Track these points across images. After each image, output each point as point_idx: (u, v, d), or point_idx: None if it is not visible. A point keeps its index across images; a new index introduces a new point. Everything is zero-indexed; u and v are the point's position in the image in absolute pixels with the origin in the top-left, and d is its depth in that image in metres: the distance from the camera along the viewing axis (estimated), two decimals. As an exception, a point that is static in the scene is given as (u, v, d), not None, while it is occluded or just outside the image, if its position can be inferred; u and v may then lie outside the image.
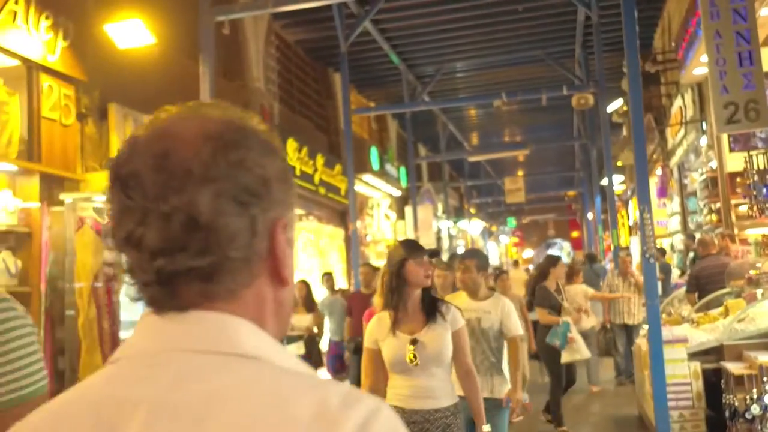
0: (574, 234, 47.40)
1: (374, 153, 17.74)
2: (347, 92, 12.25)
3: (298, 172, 13.12)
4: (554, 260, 8.28)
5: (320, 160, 14.35)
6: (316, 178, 14.13)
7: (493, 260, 35.67)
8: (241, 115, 0.86)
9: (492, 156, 19.01)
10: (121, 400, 0.73)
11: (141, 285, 0.79)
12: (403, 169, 20.30)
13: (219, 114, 0.84)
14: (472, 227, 30.62)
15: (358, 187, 18.02)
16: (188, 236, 0.75)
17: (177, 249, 0.75)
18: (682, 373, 6.10)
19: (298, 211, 14.27)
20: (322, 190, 14.35)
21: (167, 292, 0.78)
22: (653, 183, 19.29)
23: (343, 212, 16.14)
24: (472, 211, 31.53)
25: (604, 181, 14.16)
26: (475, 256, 5.30)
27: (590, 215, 30.37)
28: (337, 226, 16.21)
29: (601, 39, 12.04)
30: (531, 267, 20.28)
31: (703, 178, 10.99)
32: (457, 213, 29.55)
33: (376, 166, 17.61)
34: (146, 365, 0.75)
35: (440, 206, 23.80)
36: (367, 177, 17.65)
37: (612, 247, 11.66)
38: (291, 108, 14.49)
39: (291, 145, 12.85)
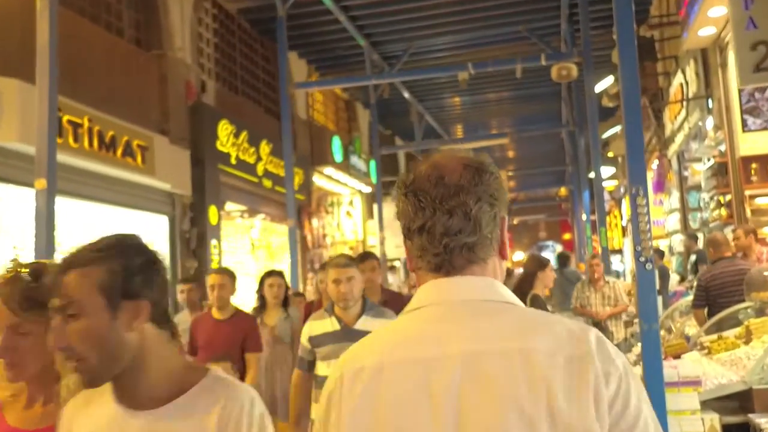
0: (566, 236, 45.51)
1: (337, 143, 15.82)
2: (285, 63, 10.32)
3: (233, 160, 11.19)
4: (542, 263, 6.43)
5: (266, 148, 12.43)
6: (260, 169, 12.20)
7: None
8: (475, 156, 1.30)
9: (469, 146, 17.05)
10: (445, 332, 1.16)
11: (431, 256, 1.22)
12: (373, 163, 18.37)
13: (465, 155, 1.29)
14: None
15: (320, 181, 16.12)
16: (463, 223, 1.20)
17: (456, 231, 1.20)
18: (695, 431, 4.19)
19: (238, 208, 12.33)
20: (267, 183, 12.43)
21: (447, 260, 1.22)
22: (648, 178, 17.46)
23: (299, 209, 14.21)
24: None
25: (594, 174, 12.28)
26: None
27: (582, 217, 28.58)
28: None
29: (589, 12, 10.16)
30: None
31: (710, 165, 9.10)
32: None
33: (338, 157, 15.69)
34: (450, 312, 1.20)
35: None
36: (328, 170, 15.75)
37: (600, 251, 9.79)
38: (232, 88, 12.56)
39: (224, 128, 10.92)
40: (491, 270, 1.24)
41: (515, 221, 42.32)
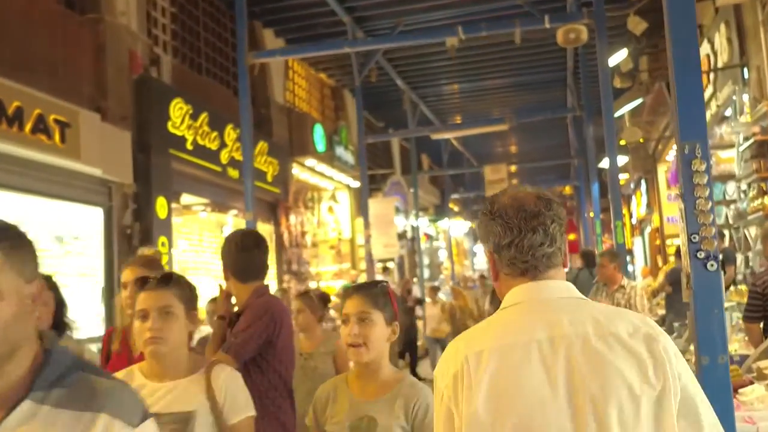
0: (571, 236, 43.95)
1: (319, 132, 14.33)
2: (243, 29, 8.85)
3: (189, 145, 9.71)
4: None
5: (232, 134, 10.93)
6: (224, 156, 10.70)
7: (480, 265, 32.29)
8: (544, 191, 1.68)
9: (463, 133, 15.58)
10: (547, 320, 1.52)
11: (519, 266, 1.60)
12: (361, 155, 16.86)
13: (537, 190, 1.67)
14: (455, 227, 27.20)
15: (303, 174, 14.64)
16: (543, 238, 1.58)
17: (539, 244, 1.58)
18: None
19: (200, 201, 10.84)
20: (233, 173, 10.92)
21: (533, 266, 1.59)
22: (662, 171, 15.92)
23: (274, 204, 12.74)
24: (455, 208, 28.08)
25: (605, 162, 10.75)
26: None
27: (590, 214, 27.01)
28: (265, 222, 12.78)
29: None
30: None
31: (748, 146, 7.57)
32: (438, 211, 26.16)
33: (321, 147, 14.19)
34: (541, 306, 1.56)
35: (414, 203, 20.36)
36: (310, 161, 14.25)
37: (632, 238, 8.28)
38: (194, 65, 11.07)
39: (178, 107, 9.43)
40: (562, 273, 1.65)
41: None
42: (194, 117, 9.82)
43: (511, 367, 1.47)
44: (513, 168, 27.35)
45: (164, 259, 8.81)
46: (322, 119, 15.93)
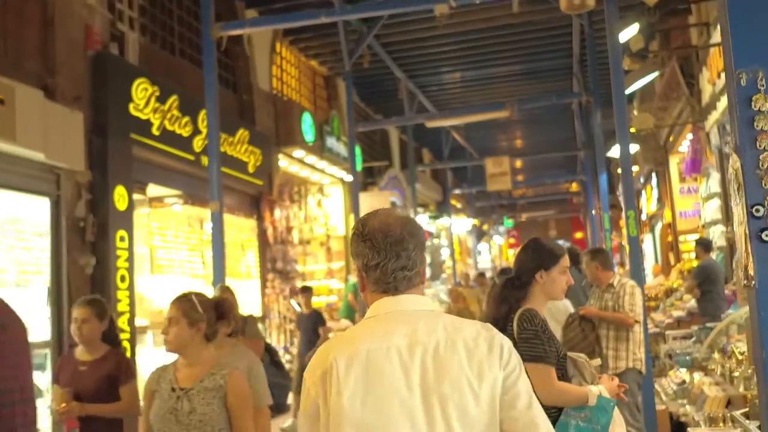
0: (578, 234, 42.98)
1: (308, 121, 13.42)
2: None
3: (155, 130, 8.81)
4: (551, 254, 4.19)
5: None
6: (197, 144, 9.80)
7: (484, 263, 31.34)
8: (408, 214, 2.01)
9: (460, 120, 14.62)
10: (397, 340, 1.73)
11: (382, 285, 1.81)
12: (358, 149, 15.94)
13: (403, 215, 1.89)
14: (458, 225, 26.26)
15: (292, 167, 13.74)
16: (407, 262, 1.80)
17: (402, 267, 1.79)
18: None
19: (170, 192, 9.95)
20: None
21: (394, 287, 1.80)
22: (675, 164, 14.95)
23: (257, 197, 11.85)
24: (457, 204, 27.16)
25: (615, 151, 9.81)
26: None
27: (594, 211, 26.02)
28: (247, 216, 11.89)
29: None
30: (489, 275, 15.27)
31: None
32: (439, 208, 25.22)
33: (309, 137, 13.28)
34: (400, 317, 1.77)
35: (413, 198, 19.42)
36: (297, 152, 13.35)
37: (625, 241, 7.34)
38: (166, 45, 10.18)
39: (142, 88, 8.54)
40: (420, 291, 1.85)
41: (523, 218, 39.86)
42: (161, 100, 8.93)
43: (374, 369, 1.70)
44: (518, 163, 26.42)
45: (124, 256, 7.93)
46: (313, 110, 15.03)
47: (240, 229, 12.18)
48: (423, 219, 22.11)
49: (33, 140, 6.65)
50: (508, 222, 38.60)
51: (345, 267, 16.01)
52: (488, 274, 24.19)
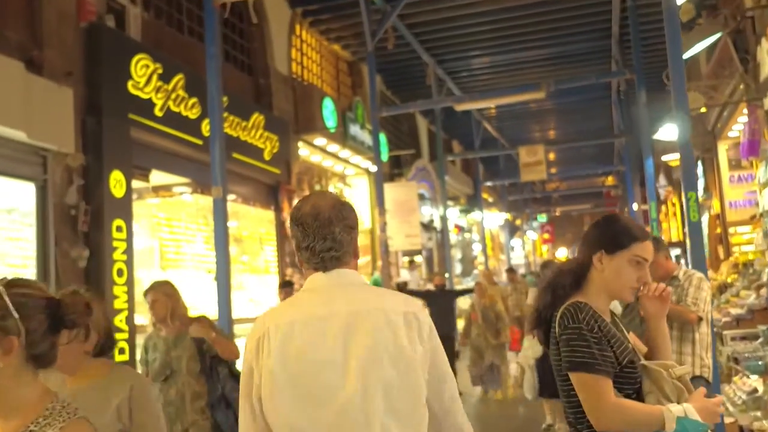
0: (614, 230, 41.62)
1: (329, 107, 12.62)
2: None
3: (158, 111, 8.08)
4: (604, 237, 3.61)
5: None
6: (206, 128, 9.02)
7: (517, 260, 30.33)
8: (342, 196, 2.11)
9: (492, 102, 13.65)
10: (327, 310, 1.88)
11: (313, 264, 1.96)
12: (383, 138, 15.10)
13: (333, 197, 2.02)
14: (490, 219, 25.29)
15: (314, 156, 12.97)
16: (332, 244, 1.93)
17: (328, 249, 1.92)
18: None
19: (178, 180, 9.22)
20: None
21: (323, 265, 1.95)
22: (723, 150, 13.87)
23: (275, 186, 11.09)
24: (488, 198, 26.19)
25: (665, 132, 8.85)
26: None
27: (636, 205, 24.85)
28: (264, 207, 11.13)
29: None
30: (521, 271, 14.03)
31: None
32: (470, 201, 24.30)
33: (331, 123, 12.49)
34: (330, 291, 1.93)
35: (442, 190, 18.51)
36: (318, 140, 12.56)
37: (684, 229, 6.42)
38: (173, 22, 9.44)
39: (142, 65, 7.80)
40: (353, 266, 2.02)
41: (557, 212, 38.72)
42: (165, 78, 8.19)
43: (303, 335, 1.87)
44: (551, 155, 25.34)
45: (121, 248, 7.20)
46: (336, 97, 14.22)
47: (258, 221, 11.44)
48: (453, 212, 21.23)
49: (11, 117, 5.93)
50: (542, 216, 37.51)
51: (371, 262, 15.20)
52: (520, 271, 23.22)
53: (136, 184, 7.90)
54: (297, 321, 1.87)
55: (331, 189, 13.26)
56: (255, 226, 11.79)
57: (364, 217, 15.43)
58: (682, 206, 20.00)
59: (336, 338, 1.85)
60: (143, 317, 8.04)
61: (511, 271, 15.40)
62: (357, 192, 15.18)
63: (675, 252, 22.55)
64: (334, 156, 13.54)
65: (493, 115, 21.68)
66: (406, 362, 1.85)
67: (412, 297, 2.05)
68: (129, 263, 7.24)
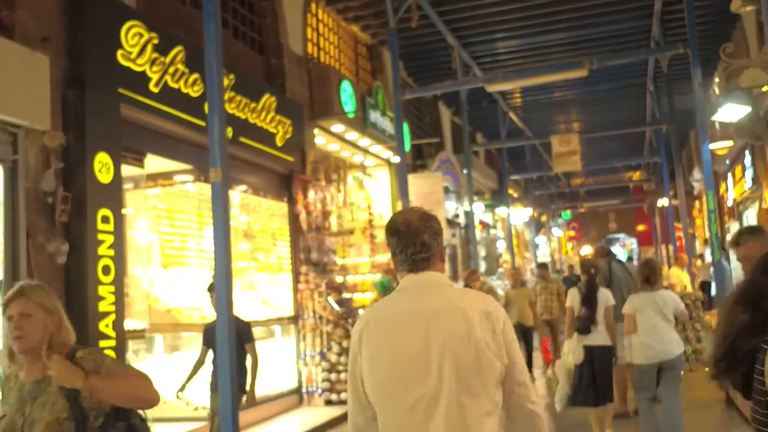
0: (640, 227, 40.34)
1: (348, 90, 11.59)
2: None
3: (153, 86, 7.10)
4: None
5: (224, 80, 8.28)
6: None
7: (543, 258, 29.14)
8: (427, 210, 2.38)
9: (526, 81, 12.45)
10: (416, 307, 2.21)
11: (406, 266, 2.27)
12: (406, 127, 14.05)
13: (421, 210, 2.35)
14: (515, 215, 24.15)
15: (327, 144, 11.95)
16: (423, 248, 2.25)
17: (418, 252, 2.25)
18: None
19: (179, 167, 8.23)
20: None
21: (414, 267, 2.26)
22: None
23: (288, 176, 10.09)
24: (514, 194, 25.04)
25: (725, 113, 7.73)
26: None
27: (671, 200, 23.64)
28: (276, 199, 10.13)
29: None
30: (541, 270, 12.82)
31: None
32: (495, 196, 23.19)
33: (349, 107, 11.46)
34: (419, 290, 2.25)
35: (468, 184, 17.40)
36: (336, 127, 11.53)
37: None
38: (174, -7, 8.47)
39: (133, 32, 6.81)
40: (439, 269, 2.31)
41: (582, 209, 37.45)
42: (162, 50, 7.20)
43: (395, 328, 2.22)
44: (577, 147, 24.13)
45: (108, 241, 6.21)
46: (355, 82, 13.20)
47: (270, 215, 10.45)
48: (478, 208, 20.15)
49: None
50: (566, 214, 36.29)
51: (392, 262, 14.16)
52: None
53: (127, 169, 6.93)
54: (390, 316, 2.25)
55: (350, 180, 12.23)
56: (267, 220, 10.81)
57: (385, 213, 14.41)
58: (718, 201, 18.66)
59: (420, 331, 2.17)
60: (138, 321, 7.09)
61: (543, 267, 14.21)
62: (377, 185, 14.14)
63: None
64: (353, 145, 12.51)
65: (518, 105, 20.63)
66: (479, 351, 2.13)
67: (489, 296, 2.35)
68: (118, 259, 6.26)
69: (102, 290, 6.05)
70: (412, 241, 2.25)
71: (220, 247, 5.46)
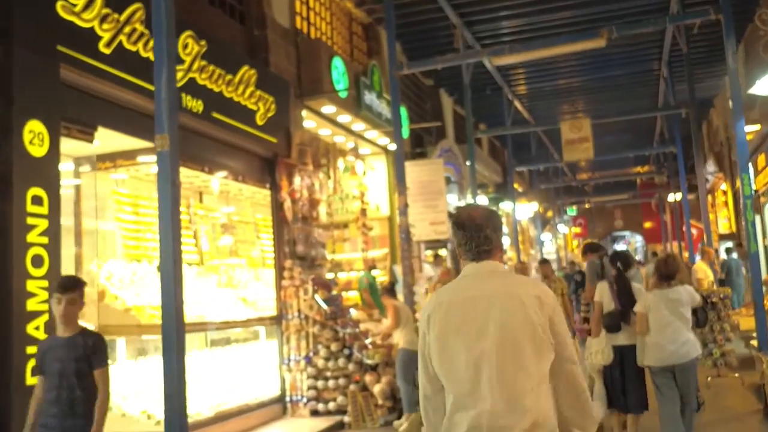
0: (647, 224, 39.23)
1: (339, 67, 10.55)
2: None
3: (103, 47, 6.07)
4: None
5: (192, 46, 7.26)
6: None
7: (548, 255, 28.07)
8: (490, 207, 2.80)
9: (538, 53, 11.22)
10: (477, 291, 2.54)
11: (469, 256, 2.61)
12: (404, 111, 13.02)
13: (484, 207, 2.73)
14: (520, 210, 23.09)
15: (318, 128, 10.93)
16: (483, 241, 2.59)
17: (481, 244, 2.59)
18: None
19: (134, 143, 7.18)
20: (193, 104, 7.25)
21: (476, 257, 2.60)
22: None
23: (271, 160, 9.07)
24: (519, 188, 24.00)
25: (764, 86, 6.68)
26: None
27: (677, 195, 22.60)
28: (257, 184, 9.09)
29: None
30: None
31: None
32: (499, 190, 22.16)
33: (341, 85, 10.41)
34: (481, 277, 2.59)
35: (471, 176, 16.33)
36: (326, 108, 10.49)
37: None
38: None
39: (79, -18, 5.77)
40: (499, 258, 2.62)
41: (587, 204, 36.40)
42: (116, 6, 6.15)
43: (459, 310, 2.52)
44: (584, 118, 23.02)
45: (41, 227, 5.17)
46: (350, 63, 12.14)
47: (253, 203, 9.42)
48: (482, 200, 19.12)
49: None
50: (572, 209, 35.25)
51: (389, 255, 13.13)
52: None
53: (72, 144, 5.91)
54: (454, 300, 2.55)
55: (340, 164, 11.16)
56: (251, 210, 9.82)
57: (382, 204, 13.38)
58: (735, 194, 17.61)
59: (481, 312, 2.48)
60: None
61: (545, 263, 13.15)
62: (375, 175, 13.10)
63: (726, 245, 20.29)
64: (347, 129, 11.46)
65: (524, 93, 19.61)
66: (533, 329, 2.44)
67: (541, 282, 2.79)
68: (52, 249, 5.21)
69: (31, 285, 5.01)
70: (476, 234, 2.57)
71: (167, 231, 4.43)
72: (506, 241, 22.32)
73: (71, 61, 5.67)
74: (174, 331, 4.34)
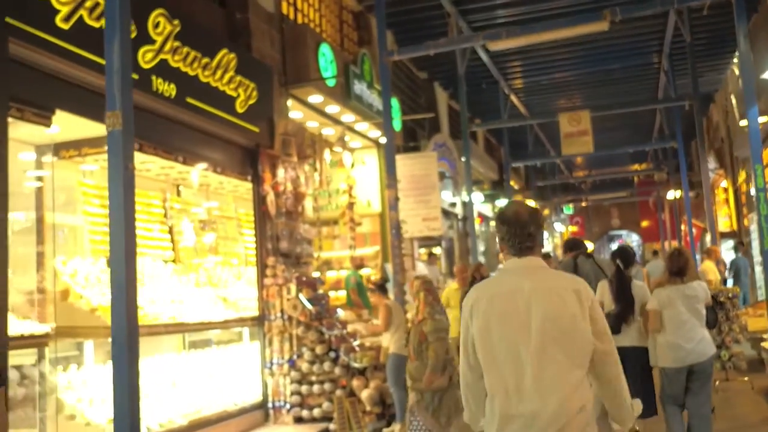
0: (644, 223, 38.80)
1: (327, 55, 10.02)
2: None
3: (60, 22, 5.54)
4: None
5: (164, 25, 6.72)
6: (145, 58, 6.48)
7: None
8: (534, 205, 3.64)
9: (538, 37, 10.50)
10: (518, 285, 2.66)
11: (512, 251, 2.74)
12: (396, 103, 12.49)
13: (528, 205, 2.85)
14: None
15: (306, 120, 10.40)
16: (527, 238, 2.72)
17: (524, 241, 2.72)
18: None
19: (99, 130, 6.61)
20: (165, 87, 6.70)
21: (519, 252, 2.73)
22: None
23: (252, 150, 8.55)
24: (515, 185, 23.50)
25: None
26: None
27: (677, 193, 22.13)
28: (238, 176, 8.54)
29: None
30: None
31: None
32: (495, 187, 21.66)
33: (329, 73, 9.88)
34: (523, 272, 2.71)
35: (466, 172, 15.79)
36: (314, 97, 9.96)
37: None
38: None
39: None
40: (538, 255, 2.72)
41: (584, 203, 35.93)
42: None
43: (501, 303, 2.64)
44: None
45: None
46: (339, 52, 11.60)
47: (235, 198, 8.89)
48: (477, 198, 18.62)
49: None
50: (568, 208, 34.78)
51: (381, 252, 12.59)
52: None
53: (27, 129, 5.36)
54: (496, 293, 2.67)
55: (327, 156, 10.59)
56: (234, 204, 9.30)
57: (373, 200, 12.85)
58: (735, 191, 17.13)
59: (522, 305, 2.60)
60: (37, 323, 5.51)
61: (546, 257, 12.52)
62: (366, 170, 12.56)
63: (728, 244, 19.82)
64: (335, 120, 10.92)
65: (520, 87, 19.14)
66: (572, 321, 2.58)
67: (579, 278, 2.80)
68: (-2, 244, 4.67)
69: (-28, 284, 4.47)
70: (521, 231, 2.71)
71: (118, 222, 3.88)
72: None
73: (22, 34, 5.11)
74: (125, 338, 3.79)
